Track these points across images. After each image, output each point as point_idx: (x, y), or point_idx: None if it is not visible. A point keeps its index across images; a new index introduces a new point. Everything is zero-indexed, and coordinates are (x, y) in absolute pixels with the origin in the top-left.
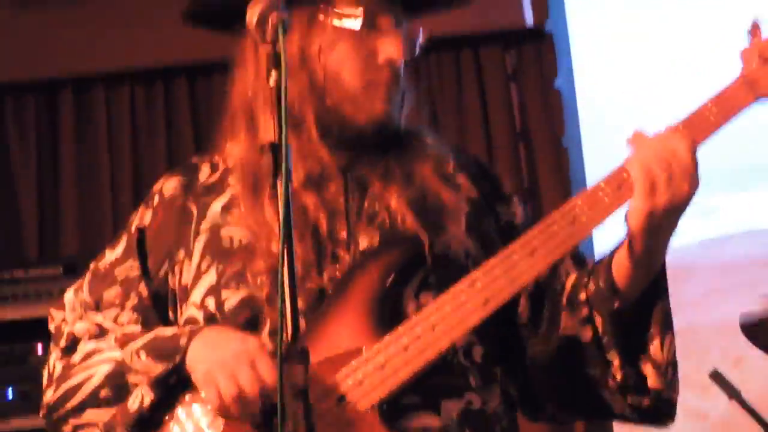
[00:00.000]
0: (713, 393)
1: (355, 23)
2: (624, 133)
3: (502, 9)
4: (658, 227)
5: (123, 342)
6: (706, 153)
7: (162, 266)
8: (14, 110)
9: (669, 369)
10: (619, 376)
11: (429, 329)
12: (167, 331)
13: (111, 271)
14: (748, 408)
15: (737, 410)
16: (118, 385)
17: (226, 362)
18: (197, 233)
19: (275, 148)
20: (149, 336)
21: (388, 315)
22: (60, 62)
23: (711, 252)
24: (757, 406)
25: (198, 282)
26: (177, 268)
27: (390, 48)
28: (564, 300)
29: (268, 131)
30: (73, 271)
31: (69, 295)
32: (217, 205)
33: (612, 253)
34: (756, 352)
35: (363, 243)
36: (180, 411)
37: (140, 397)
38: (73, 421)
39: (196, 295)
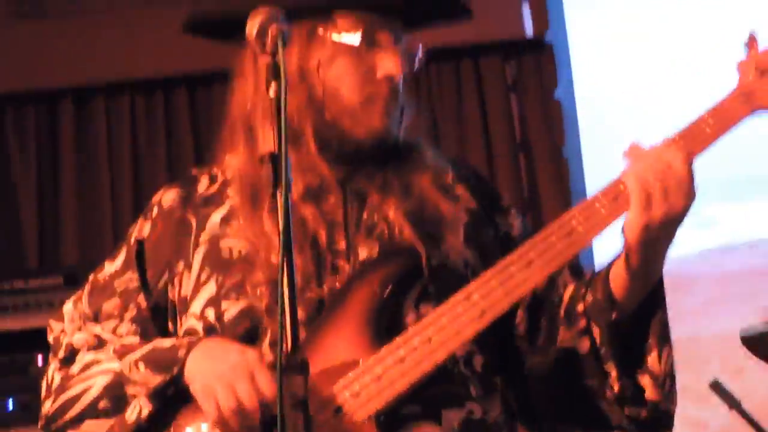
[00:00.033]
0: (713, 403)
1: (354, 38)
2: (624, 143)
3: (502, 19)
4: (654, 239)
5: (121, 353)
6: (706, 164)
7: (161, 278)
8: (15, 120)
9: (666, 381)
10: (616, 388)
11: (426, 341)
12: (165, 343)
13: (110, 283)
14: (748, 418)
15: (737, 420)
16: (116, 396)
17: (225, 375)
18: (196, 245)
19: (275, 159)
20: (148, 347)
21: (386, 326)
22: (60, 72)
23: (711, 262)
24: (758, 416)
25: (198, 293)
26: (176, 280)
27: (389, 63)
28: (562, 312)
29: (266, 143)
30: (74, 281)
31: (68, 307)
32: (216, 217)
33: (610, 265)
34: (756, 363)
35: (362, 254)
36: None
37: (138, 409)
38: None
39: (196, 306)
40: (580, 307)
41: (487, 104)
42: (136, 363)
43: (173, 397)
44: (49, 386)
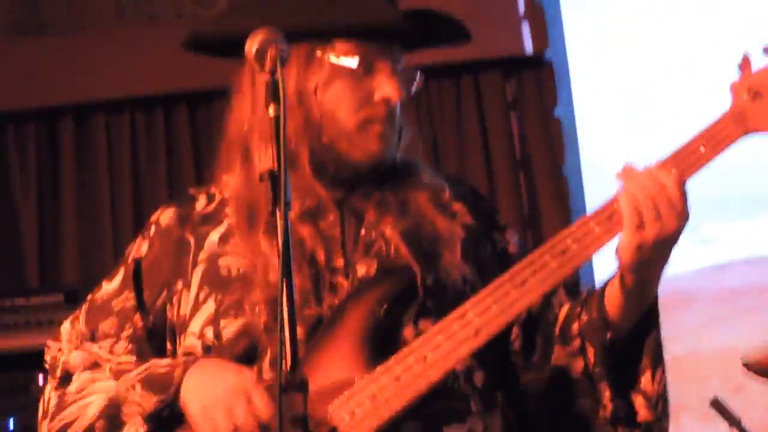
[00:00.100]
0: (714, 421)
1: (352, 62)
2: (623, 162)
3: (502, 37)
4: (648, 260)
5: (117, 374)
6: (705, 182)
7: (159, 297)
8: (15, 138)
9: (660, 401)
10: (609, 409)
11: (421, 359)
12: (161, 363)
13: (107, 303)
14: None
15: None
16: (112, 418)
17: (222, 398)
18: (195, 264)
19: (274, 177)
20: (144, 368)
21: (382, 345)
22: (60, 90)
23: (711, 279)
24: None
25: (197, 312)
26: (175, 299)
27: (387, 88)
28: (557, 330)
29: (263, 163)
30: (75, 299)
31: (65, 327)
32: (214, 236)
33: (605, 285)
34: (757, 380)
35: (360, 271)
36: None
37: (134, 430)
38: None
39: (195, 325)
40: (575, 327)
41: (487, 121)
42: (132, 384)
43: (169, 419)
44: (46, 408)
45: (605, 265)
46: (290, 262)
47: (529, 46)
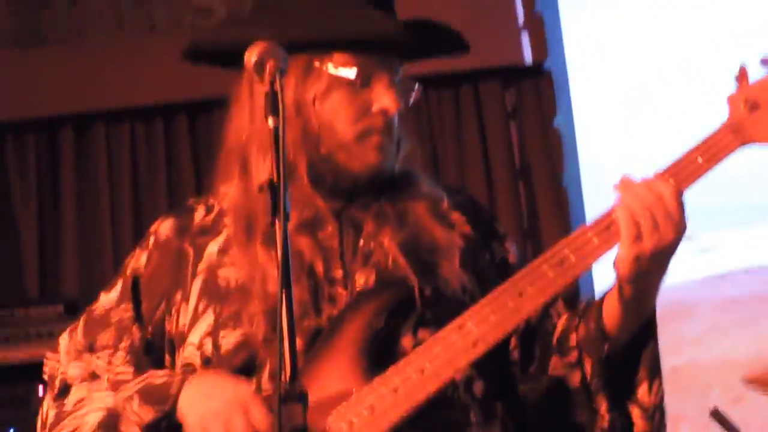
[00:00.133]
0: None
1: (350, 72)
2: (623, 172)
3: (502, 46)
4: (646, 272)
5: (116, 385)
6: (705, 191)
7: (157, 309)
8: (15, 148)
9: (656, 413)
10: (607, 420)
11: (419, 371)
12: (159, 377)
13: (106, 315)
14: None
15: None
16: (110, 428)
17: (220, 411)
18: (194, 275)
19: (274, 187)
20: (141, 382)
21: (381, 356)
22: (60, 100)
23: (711, 289)
24: None
25: (196, 324)
26: (174, 311)
27: (385, 99)
28: (554, 341)
29: (260, 174)
30: (75, 310)
31: (64, 339)
32: (213, 247)
33: (603, 297)
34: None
35: (359, 281)
36: None
37: None
38: None
39: (194, 337)
40: (573, 339)
41: (486, 130)
42: (129, 398)
43: (167, 431)
44: (44, 420)
45: (605, 275)
46: (289, 273)
47: (528, 56)
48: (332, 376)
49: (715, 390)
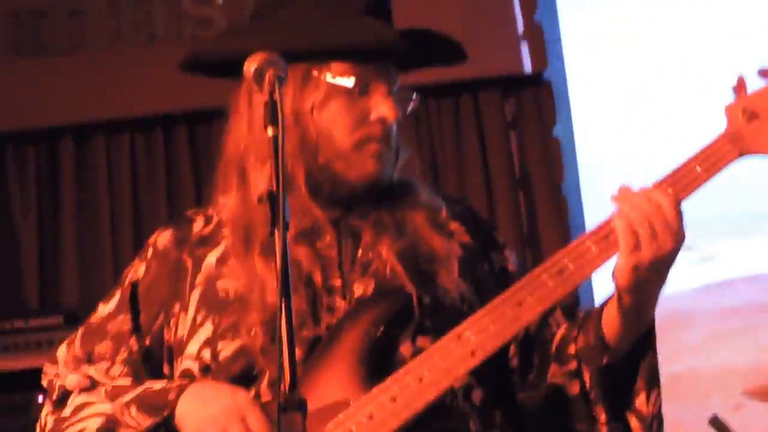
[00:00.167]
0: None
1: (348, 81)
2: (623, 181)
3: (502, 56)
4: (645, 282)
5: (113, 395)
6: (706, 200)
7: (156, 320)
8: (14, 158)
9: (654, 422)
10: (605, 430)
11: (417, 380)
12: (156, 385)
13: (103, 326)
14: None
15: None
16: None
17: (217, 419)
18: (192, 286)
19: (273, 197)
20: (139, 389)
21: (379, 365)
22: (60, 110)
23: (711, 297)
24: None
25: (194, 335)
26: (172, 322)
27: (382, 108)
28: (553, 348)
29: (259, 185)
30: (74, 320)
31: (62, 350)
32: (212, 258)
33: (602, 307)
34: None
35: (358, 291)
36: None
37: None
38: None
39: (192, 347)
40: (572, 349)
41: (486, 140)
42: (127, 405)
43: None
44: (42, 430)
45: (604, 283)
46: (289, 283)
47: (528, 66)
48: (331, 385)
49: (715, 398)
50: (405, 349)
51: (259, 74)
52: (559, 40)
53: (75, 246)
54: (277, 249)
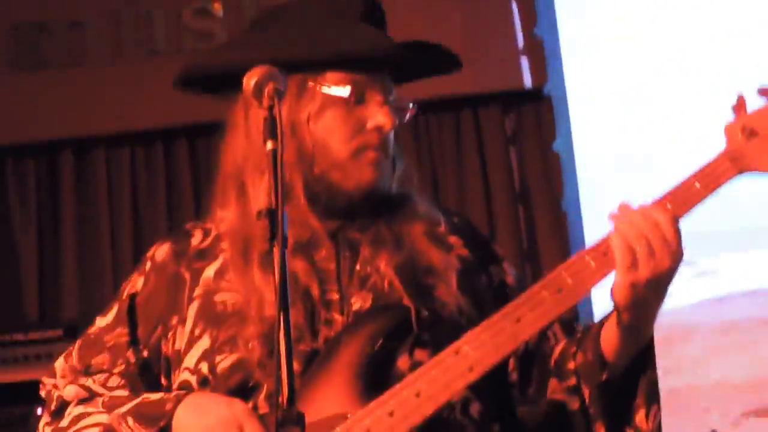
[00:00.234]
0: None
1: (343, 91)
2: (623, 196)
3: (502, 71)
4: (643, 300)
5: (110, 406)
6: (705, 215)
7: (153, 333)
8: (15, 172)
9: None
10: None
11: (414, 394)
12: (153, 396)
13: (100, 338)
14: None
15: None
16: None
17: (214, 429)
18: (191, 299)
19: (272, 214)
20: (136, 400)
21: (377, 379)
22: (60, 124)
23: (711, 312)
24: None
25: (192, 347)
26: (170, 334)
27: (379, 116)
28: (552, 362)
29: (257, 198)
30: (74, 333)
31: (59, 362)
32: (210, 271)
33: (601, 324)
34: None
35: (356, 305)
36: None
37: None
38: None
39: (190, 360)
40: (571, 365)
41: (486, 155)
42: (124, 416)
43: None
44: None
45: (604, 299)
46: (287, 297)
47: (528, 81)
48: (328, 398)
49: (714, 413)
50: (402, 362)
51: (258, 89)
52: (559, 55)
53: (75, 259)
54: (276, 265)
